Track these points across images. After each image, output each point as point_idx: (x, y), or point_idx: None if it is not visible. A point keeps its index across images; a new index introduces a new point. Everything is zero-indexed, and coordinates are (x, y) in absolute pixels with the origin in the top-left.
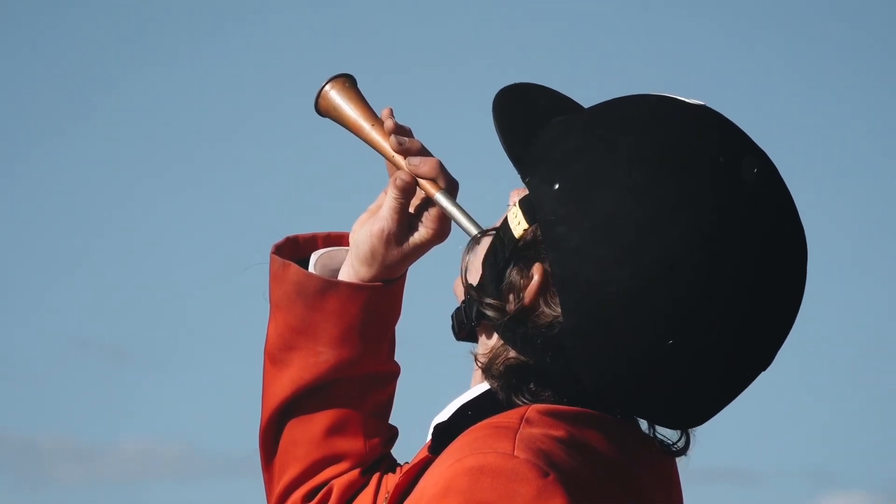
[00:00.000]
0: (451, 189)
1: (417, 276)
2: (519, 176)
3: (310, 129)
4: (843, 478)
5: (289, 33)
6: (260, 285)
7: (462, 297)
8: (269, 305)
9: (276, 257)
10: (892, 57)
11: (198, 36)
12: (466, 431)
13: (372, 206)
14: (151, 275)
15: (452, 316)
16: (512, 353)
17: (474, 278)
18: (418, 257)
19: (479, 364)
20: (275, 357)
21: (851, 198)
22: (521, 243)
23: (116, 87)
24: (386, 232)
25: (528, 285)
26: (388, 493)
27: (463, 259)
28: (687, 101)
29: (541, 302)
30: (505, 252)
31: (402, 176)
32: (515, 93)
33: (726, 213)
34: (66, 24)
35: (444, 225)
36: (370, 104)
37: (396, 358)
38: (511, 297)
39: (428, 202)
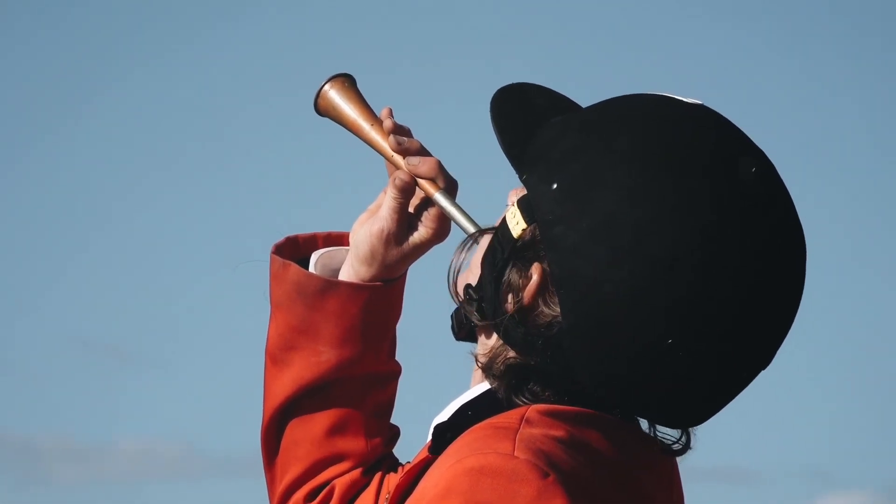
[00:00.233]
0: (451, 189)
1: (418, 276)
2: (517, 176)
3: (310, 128)
4: (844, 478)
5: (289, 31)
6: (260, 285)
7: (461, 297)
8: (269, 305)
9: (277, 257)
10: (892, 57)
11: (196, 34)
12: (467, 432)
13: (371, 206)
14: (151, 275)
15: (452, 316)
16: (511, 353)
17: (473, 278)
18: (418, 257)
19: (479, 364)
20: (276, 357)
21: (852, 196)
22: (519, 243)
23: (117, 88)
24: (385, 232)
25: (526, 285)
26: (389, 492)
27: (455, 258)
28: (685, 100)
29: (540, 302)
30: (503, 252)
31: (401, 176)
32: (513, 92)
33: (725, 213)
34: (66, 24)
35: (443, 224)
36: (369, 104)
37: (397, 357)
38: (510, 297)
39: (427, 202)
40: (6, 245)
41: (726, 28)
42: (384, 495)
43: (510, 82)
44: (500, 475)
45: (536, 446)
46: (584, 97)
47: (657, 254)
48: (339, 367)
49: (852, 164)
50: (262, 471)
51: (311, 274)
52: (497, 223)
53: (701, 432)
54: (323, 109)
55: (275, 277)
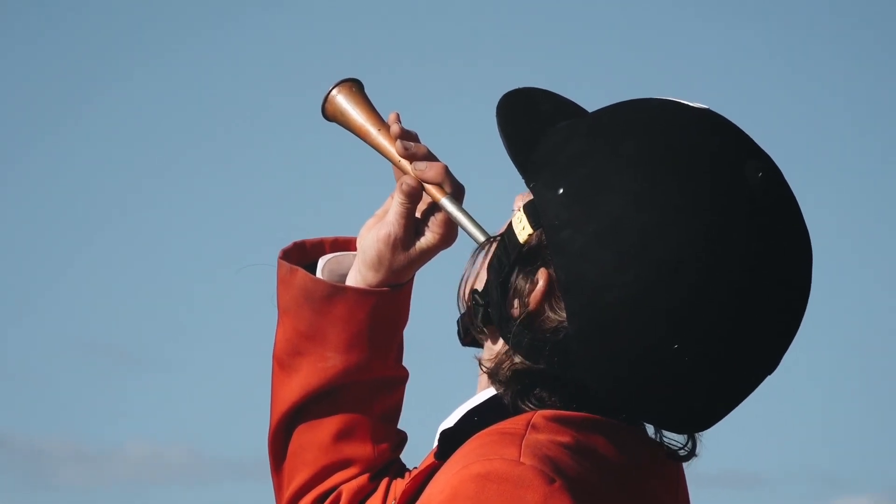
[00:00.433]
0: (457, 194)
1: (425, 282)
2: (523, 181)
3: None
4: (850, 482)
5: (296, 34)
6: (266, 289)
7: (468, 303)
8: (277, 310)
9: (284, 262)
10: (892, 57)
11: (202, 36)
12: (473, 437)
13: (379, 211)
14: (157, 279)
15: (458, 321)
16: (518, 359)
17: (479, 284)
18: (425, 262)
19: (485, 369)
20: (283, 362)
21: (857, 200)
22: (525, 248)
23: (119, 88)
24: (392, 237)
25: (533, 290)
26: (395, 498)
27: (467, 268)
28: (691, 104)
29: (546, 307)
30: (510, 257)
31: (407, 181)
32: (519, 98)
33: (730, 217)
34: (67, 24)
35: (450, 230)
36: (377, 109)
37: (404, 363)
38: (516, 302)
39: (434, 207)
40: (12, 248)
41: (726, 29)
42: (391, 501)
43: (516, 87)
44: (506, 481)
45: (542, 452)
46: (591, 100)
47: (663, 257)
48: (347, 373)
49: (852, 165)
50: (269, 475)
51: (319, 279)
52: (503, 229)
53: (706, 437)
54: (330, 114)
55: (282, 283)
